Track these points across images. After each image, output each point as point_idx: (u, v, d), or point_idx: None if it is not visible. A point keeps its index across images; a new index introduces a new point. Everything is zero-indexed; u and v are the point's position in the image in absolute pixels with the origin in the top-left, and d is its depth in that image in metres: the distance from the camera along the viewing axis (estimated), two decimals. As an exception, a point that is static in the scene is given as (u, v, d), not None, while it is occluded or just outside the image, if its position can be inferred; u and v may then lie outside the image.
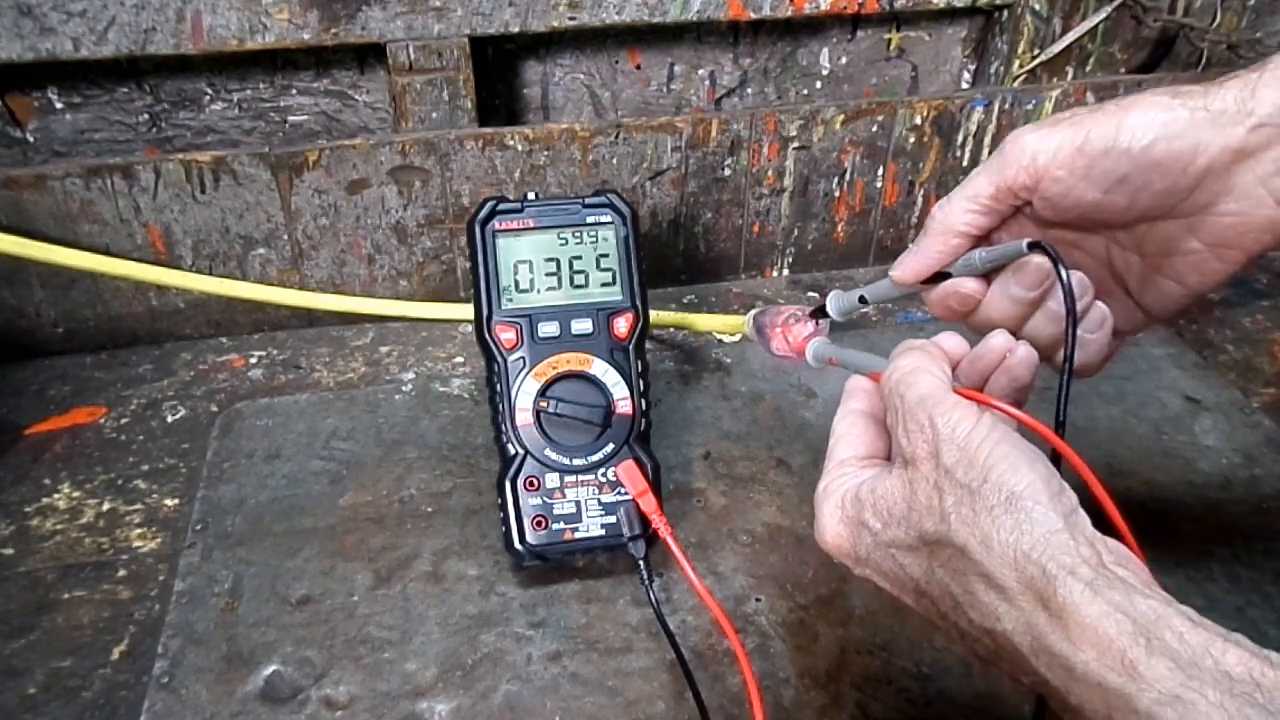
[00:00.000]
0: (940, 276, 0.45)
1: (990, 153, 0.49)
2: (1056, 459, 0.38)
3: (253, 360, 0.76)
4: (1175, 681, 0.28)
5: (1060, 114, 0.42)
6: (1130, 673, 0.29)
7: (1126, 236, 0.43)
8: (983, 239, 0.45)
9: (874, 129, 0.81)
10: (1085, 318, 0.42)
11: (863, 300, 0.53)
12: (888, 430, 0.43)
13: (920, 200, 0.85)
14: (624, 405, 0.56)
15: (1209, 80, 0.39)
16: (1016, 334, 0.43)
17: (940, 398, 0.38)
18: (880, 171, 0.83)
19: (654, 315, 0.59)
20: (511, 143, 0.75)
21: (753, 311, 0.72)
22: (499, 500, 0.56)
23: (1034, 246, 0.40)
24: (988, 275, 0.44)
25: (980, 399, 0.40)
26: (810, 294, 0.85)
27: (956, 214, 0.44)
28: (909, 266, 0.46)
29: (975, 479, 0.35)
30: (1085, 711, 0.31)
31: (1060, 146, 0.40)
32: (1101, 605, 0.31)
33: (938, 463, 0.36)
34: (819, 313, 0.57)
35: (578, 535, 0.55)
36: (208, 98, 0.80)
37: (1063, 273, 0.39)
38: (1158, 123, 0.39)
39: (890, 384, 0.40)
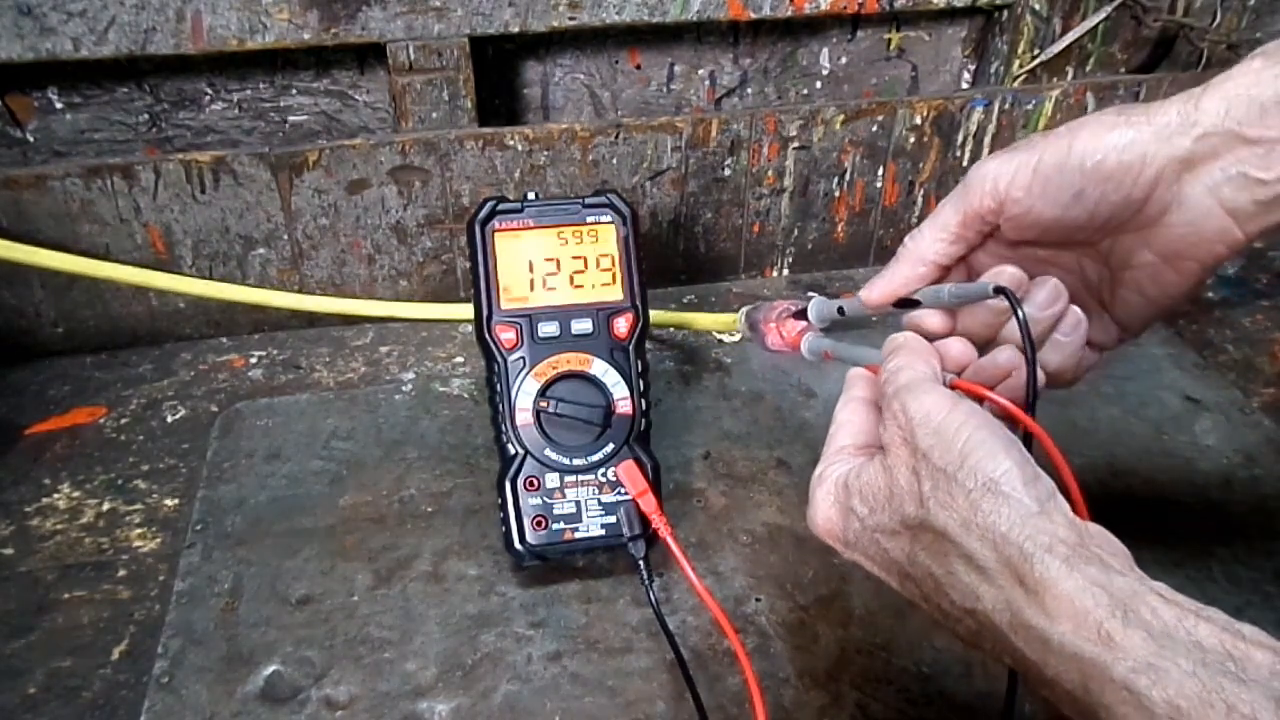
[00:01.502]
0: (911, 304, 0.46)
1: (989, 154, 0.51)
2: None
3: (253, 360, 0.76)
4: (1149, 651, 0.29)
5: (1016, 142, 0.43)
6: (1106, 643, 0.30)
7: (1094, 251, 0.44)
8: (952, 267, 0.46)
9: (874, 129, 0.81)
10: (1061, 322, 0.43)
11: (841, 312, 0.53)
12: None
13: (920, 200, 0.86)
14: (624, 405, 0.56)
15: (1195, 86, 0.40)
16: (991, 345, 0.43)
17: (915, 386, 0.38)
18: (880, 171, 0.83)
19: (652, 315, 0.60)
20: (511, 143, 0.75)
21: (745, 308, 0.72)
22: (499, 500, 0.56)
23: (998, 290, 0.41)
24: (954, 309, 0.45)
25: (976, 390, 0.41)
26: (810, 294, 0.85)
27: (926, 243, 0.45)
28: (878, 290, 0.47)
29: (952, 463, 0.35)
30: (1062, 683, 0.31)
31: (1018, 169, 0.42)
32: (1078, 580, 0.31)
33: (914, 448, 0.37)
34: (801, 315, 0.57)
35: (578, 535, 0.55)
36: (208, 98, 0.80)
37: (1021, 315, 0.40)
38: (1106, 139, 0.40)
39: (881, 380, 0.41)
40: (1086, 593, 0.31)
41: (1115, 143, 0.40)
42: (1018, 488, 0.34)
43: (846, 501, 0.40)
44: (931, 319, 0.45)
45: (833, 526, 0.41)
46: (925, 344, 0.42)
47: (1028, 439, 0.40)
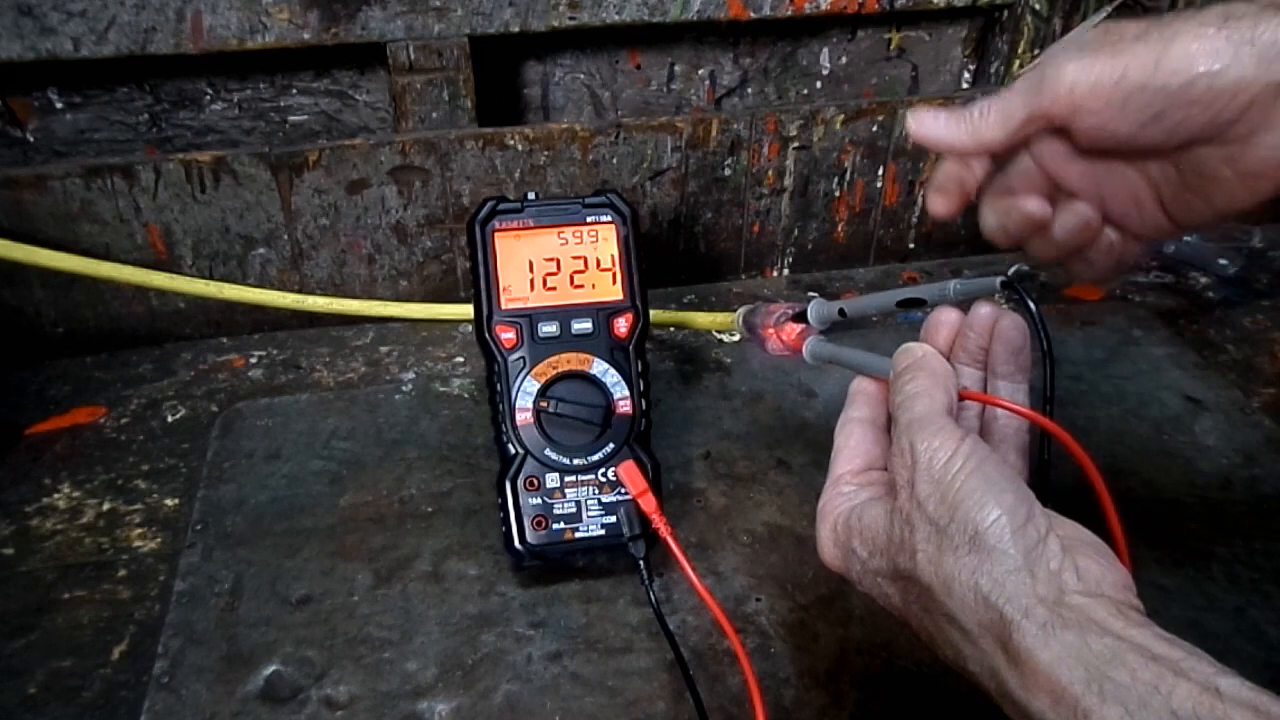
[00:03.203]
0: (916, 303, 0.46)
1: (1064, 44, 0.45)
2: (1043, 471, 0.38)
3: (253, 360, 0.76)
4: None
5: (1103, 37, 0.39)
6: None
7: (1164, 158, 0.42)
8: (996, 156, 0.44)
9: (874, 129, 0.81)
10: (1094, 244, 0.42)
11: (842, 313, 0.53)
12: (889, 435, 0.43)
13: (920, 200, 0.85)
14: (624, 405, 0.56)
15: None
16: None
17: (927, 422, 0.37)
18: (880, 171, 0.83)
19: (651, 313, 0.60)
20: (511, 143, 0.75)
21: (742, 310, 0.72)
22: (499, 500, 0.56)
23: (1005, 285, 0.41)
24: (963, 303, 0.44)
25: (980, 398, 0.41)
26: (810, 294, 0.85)
27: (986, 126, 0.42)
28: (925, 128, 0.44)
29: (944, 515, 0.35)
30: None
31: (1099, 80, 0.38)
32: (1055, 650, 0.31)
33: (913, 492, 0.36)
34: (801, 317, 0.57)
35: (578, 535, 0.55)
36: (208, 98, 0.80)
37: (1034, 310, 0.40)
38: (1200, 58, 0.36)
39: (894, 403, 0.40)
40: (1063, 665, 0.30)
41: (1209, 65, 0.36)
42: (1004, 538, 0.33)
43: (848, 542, 0.40)
44: (951, 313, 0.43)
45: (837, 564, 0.41)
46: (944, 365, 0.41)
47: (1046, 440, 0.40)
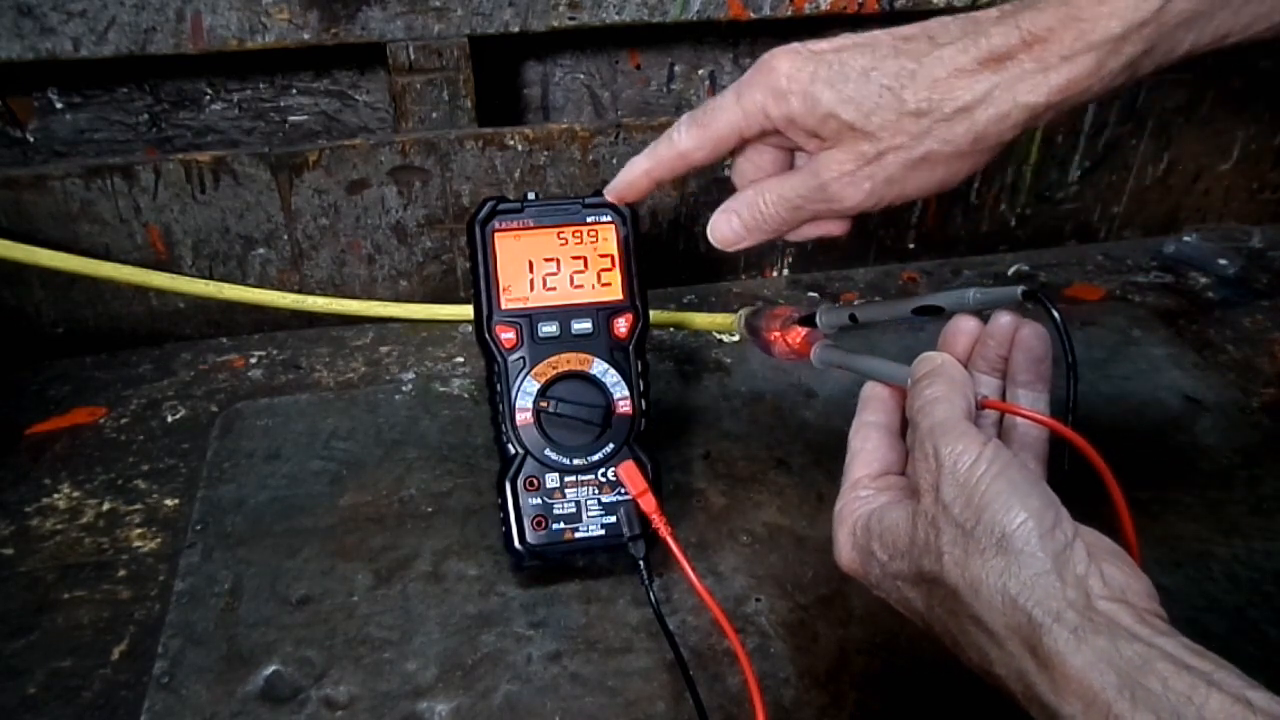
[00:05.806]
0: (934, 310, 0.46)
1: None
2: (1059, 468, 0.39)
3: (253, 360, 0.76)
4: None
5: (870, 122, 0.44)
6: None
7: None
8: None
9: (874, 129, 0.81)
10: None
11: (853, 319, 0.53)
12: (904, 441, 0.43)
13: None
14: (624, 405, 0.56)
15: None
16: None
17: (950, 426, 0.37)
18: (880, 171, 0.83)
19: (651, 314, 0.60)
20: (511, 143, 0.75)
21: (744, 311, 0.71)
22: (499, 500, 0.56)
23: (1027, 295, 0.41)
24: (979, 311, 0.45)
25: (1002, 407, 0.41)
26: (810, 294, 0.85)
27: (777, 227, 0.50)
28: (724, 241, 0.51)
29: (970, 519, 0.35)
30: None
31: (879, 200, 0.46)
32: (1087, 655, 0.31)
33: (937, 496, 0.36)
34: (807, 321, 0.57)
35: (578, 535, 0.55)
36: (208, 98, 0.80)
37: (1057, 318, 0.40)
38: (963, 169, 0.44)
39: (913, 409, 0.40)
40: (1094, 670, 0.30)
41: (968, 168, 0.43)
42: (1031, 541, 0.33)
43: (867, 545, 0.40)
44: (970, 321, 0.44)
45: (856, 567, 0.41)
46: (962, 372, 0.41)
47: (1063, 448, 0.40)
